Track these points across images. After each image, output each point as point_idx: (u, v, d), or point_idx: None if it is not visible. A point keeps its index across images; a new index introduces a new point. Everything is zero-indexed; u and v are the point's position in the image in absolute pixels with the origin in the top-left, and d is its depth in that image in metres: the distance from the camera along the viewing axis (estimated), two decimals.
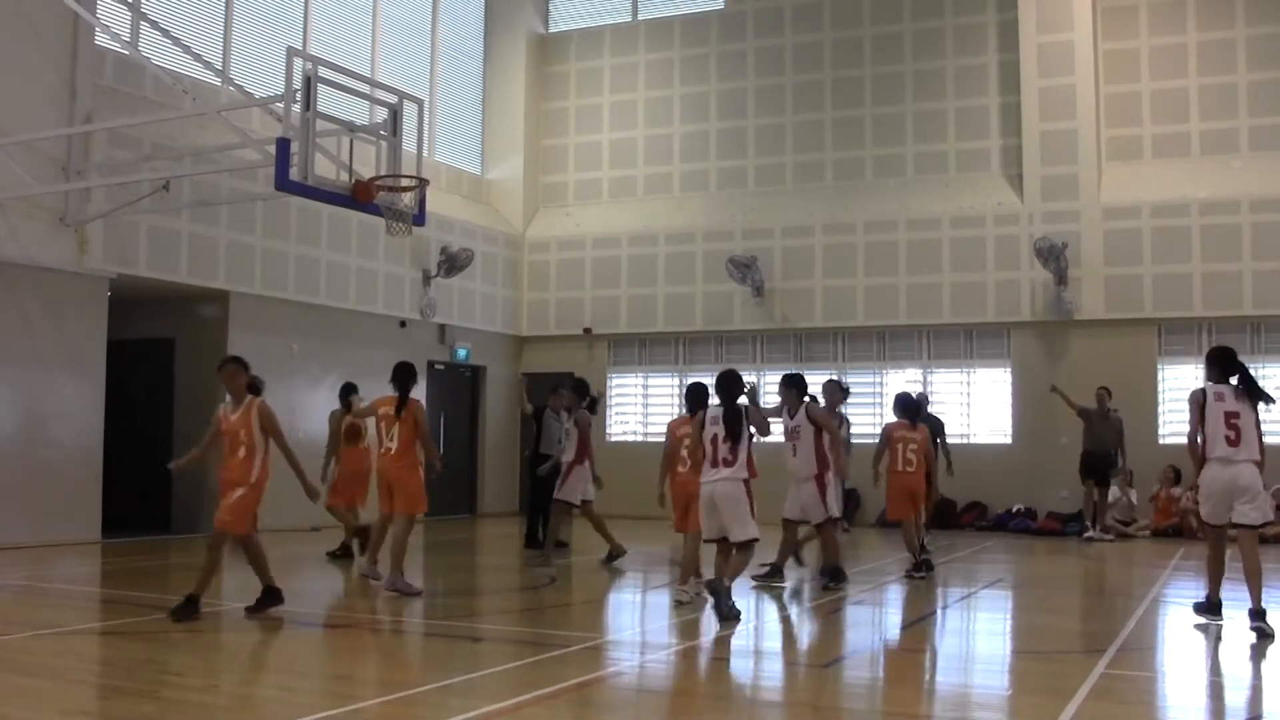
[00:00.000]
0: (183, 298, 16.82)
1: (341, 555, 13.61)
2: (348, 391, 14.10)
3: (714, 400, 9.89)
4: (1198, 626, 9.34)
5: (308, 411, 18.02)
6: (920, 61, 20.97)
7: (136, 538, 15.40)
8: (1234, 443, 8.90)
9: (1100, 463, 17.21)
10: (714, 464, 9.44)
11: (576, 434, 13.80)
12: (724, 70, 22.33)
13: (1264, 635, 8.63)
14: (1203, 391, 9.19)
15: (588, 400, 14.13)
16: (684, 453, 10.47)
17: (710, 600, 9.37)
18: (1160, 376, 19.04)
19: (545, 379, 22.35)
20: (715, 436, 9.44)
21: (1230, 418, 8.94)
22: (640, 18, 23.19)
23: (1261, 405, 9.05)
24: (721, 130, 22.29)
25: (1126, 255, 19.10)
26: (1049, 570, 14.40)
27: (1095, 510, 17.31)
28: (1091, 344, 19.17)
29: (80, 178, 14.61)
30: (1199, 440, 9.17)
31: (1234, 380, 9.14)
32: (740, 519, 9.38)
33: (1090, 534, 17.17)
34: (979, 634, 9.87)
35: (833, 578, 11.25)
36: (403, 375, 10.96)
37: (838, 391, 13.59)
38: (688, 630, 9.64)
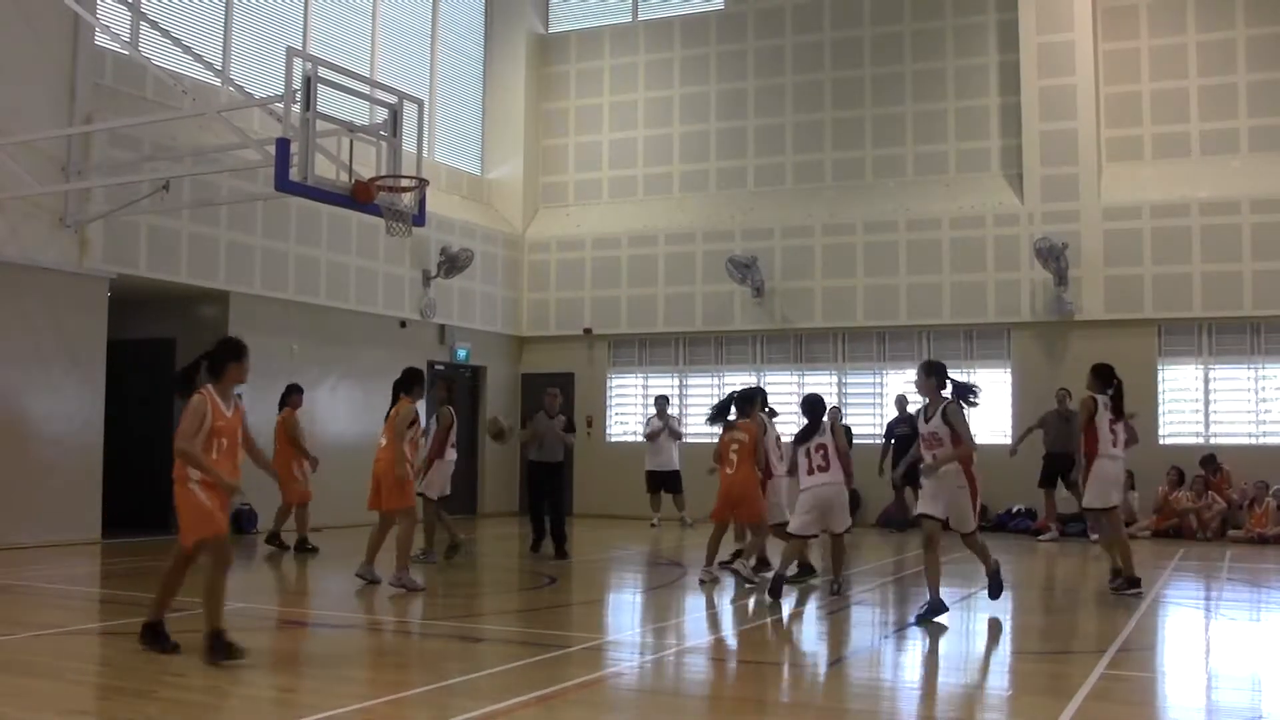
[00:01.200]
0: (183, 298, 16.82)
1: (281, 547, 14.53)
2: (291, 392, 15.08)
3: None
4: (1122, 594, 10.74)
5: (308, 412, 18.01)
6: (920, 62, 20.97)
7: (136, 538, 15.39)
8: (1116, 444, 11.08)
9: (1062, 463, 17.15)
10: (810, 471, 10.80)
11: (437, 429, 13.65)
12: (724, 70, 22.33)
13: (1139, 595, 10.67)
14: (1094, 400, 11.15)
15: (449, 397, 13.99)
16: (732, 455, 11.84)
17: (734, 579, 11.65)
18: (1160, 377, 19.03)
19: (545, 379, 22.44)
20: (809, 449, 10.85)
21: (1112, 424, 11.07)
22: (640, 18, 23.19)
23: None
24: (721, 130, 22.28)
25: (1126, 255, 19.10)
26: (1049, 570, 14.40)
27: (1054, 511, 17.47)
28: (1091, 344, 19.14)
29: (80, 178, 14.61)
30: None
31: (1109, 393, 11.26)
32: (842, 515, 10.99)
33: (1050, 535, 17.18)
34: (979, 634, 9.86)
35: (757, 569, 11.93)
36: (403, 380, 11.61)
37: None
38: (687, 631, 9.64)
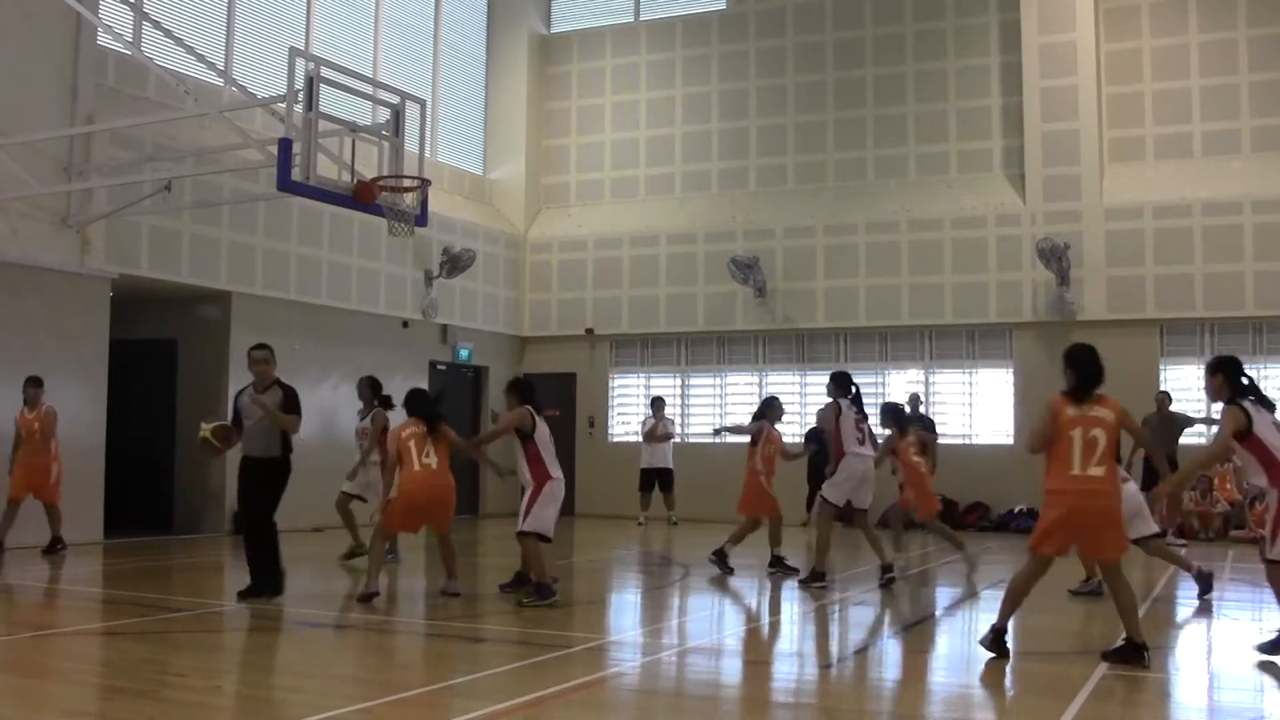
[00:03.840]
0: (184, 298, 16.82)
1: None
2: (32, 384, 13.49)
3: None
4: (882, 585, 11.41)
5: (309, 412, 18.01)
6: (922, 62, 20.95)
7: (138, 538, 15.40)
8: (863, 442, 11.78)
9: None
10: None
11: (373, 430, 13.07)
12: (726, 71, 22.32)
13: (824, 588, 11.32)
14: (837, 405, 11.87)
15: (380, 397, 13.33)
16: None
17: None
18: (1162, 377, 19.01)
19: (547, 379, 22.44)
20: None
21: (859, 423, 11.77)
22: (642, 18, 23.18)
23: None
24: (723, 131, 22.27)
25: (1128, 256, 19.09)
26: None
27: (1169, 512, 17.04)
28: (1094, 344, 19.09)
29: (82, 178, 14.61)
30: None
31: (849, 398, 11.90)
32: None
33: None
34: (980, 634, 9.85)
35: (537, 592, 10.00)
36: (422, 401, 10.83)
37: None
38: (690, 630, 9.65)
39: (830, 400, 12.13)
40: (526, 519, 9.91)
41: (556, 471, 10.13)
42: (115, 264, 15.22)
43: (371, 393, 13.44)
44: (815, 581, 11.52)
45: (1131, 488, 10.66)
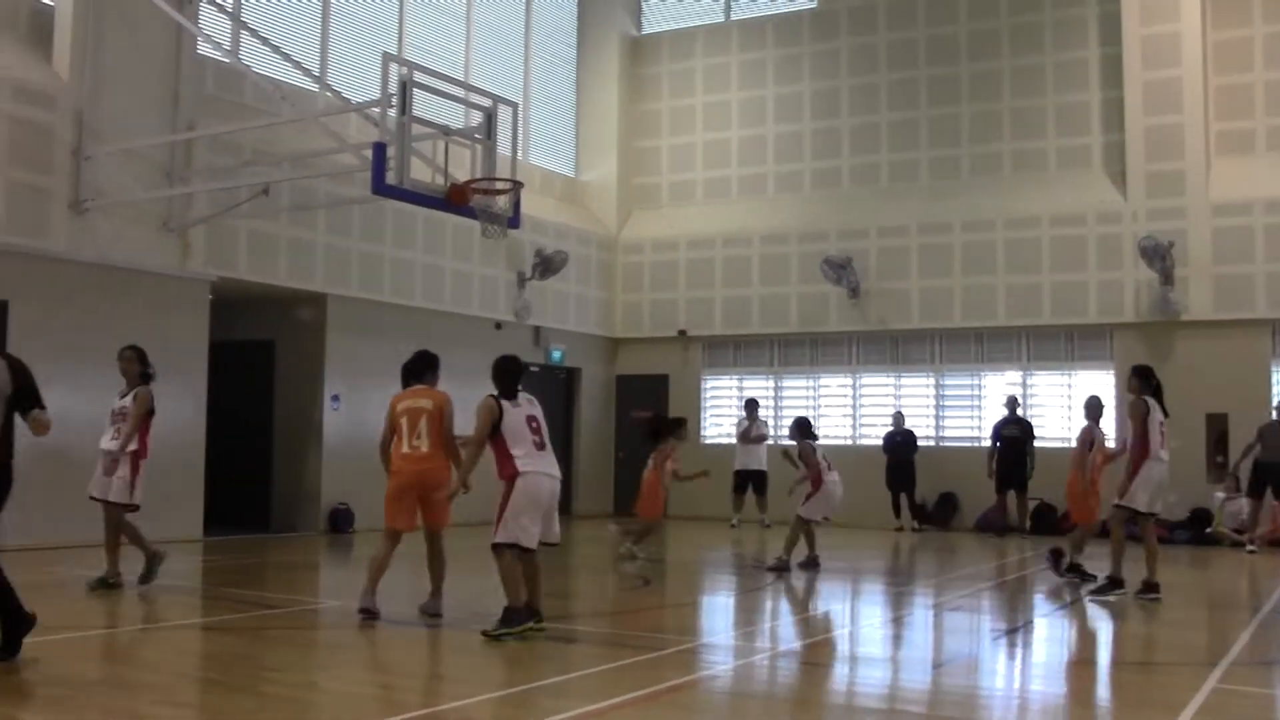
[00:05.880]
0: (282, 300, 17.10)
1: None
2: None
3: None
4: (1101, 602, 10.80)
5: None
6: (1018, 57, 20.54)
7: (237, 535, 15.69)
8: (1164, 446, 11.00)
9: (1274, 473, 16.26)
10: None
11: (136, 410, 10.39)
12: (817, 69, 22.11)
13: (1156, 600, 10.83)
14: (1145, 403, 10.99)
15: (145, 373, 10.64)
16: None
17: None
18: (1274, 379, 18.39)
19: (640, 381, 22.43)
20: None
21: (1162, 425, 11.04)
22: (732, 18, 23.07)
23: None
24: (815, 130, 22.07)
25: (1237, 253, 18.49)
26: (1159, 578, 13.95)
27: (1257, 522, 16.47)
28: (1199, 345, 18.59)
29: (183, 183, 14.95)
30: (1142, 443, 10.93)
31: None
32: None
33: (1253, 548, 16.19)
34: (1081, 643, 9.60)
35: (504, 619, 8.29)
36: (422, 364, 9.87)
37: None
38: (782, 634, 9.54)
39: (1135, 397, 11.15)
40: (498, 528, 8.28)
41: (529, 465, 8.28)
42: (215, 266, 15.54)
43: (140, 365, 10.69)
44: (1115, 589, 11.10)
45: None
